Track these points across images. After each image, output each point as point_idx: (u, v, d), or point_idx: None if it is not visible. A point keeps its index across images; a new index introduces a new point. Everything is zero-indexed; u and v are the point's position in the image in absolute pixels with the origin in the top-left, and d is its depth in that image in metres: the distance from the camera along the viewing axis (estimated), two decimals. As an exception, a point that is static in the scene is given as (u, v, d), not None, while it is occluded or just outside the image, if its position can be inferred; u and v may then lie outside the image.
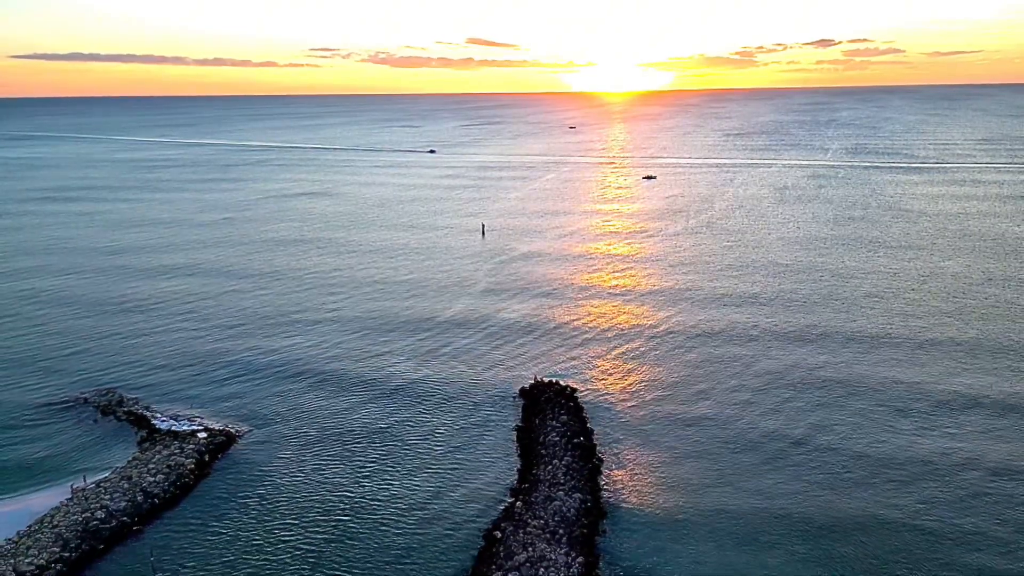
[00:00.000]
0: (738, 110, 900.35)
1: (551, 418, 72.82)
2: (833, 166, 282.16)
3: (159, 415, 75.76)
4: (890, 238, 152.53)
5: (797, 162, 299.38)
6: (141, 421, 74.78)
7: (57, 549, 53.59)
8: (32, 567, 51.61)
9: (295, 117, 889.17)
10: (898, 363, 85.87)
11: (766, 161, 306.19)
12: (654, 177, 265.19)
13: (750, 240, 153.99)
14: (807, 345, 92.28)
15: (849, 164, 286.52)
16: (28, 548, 53.67)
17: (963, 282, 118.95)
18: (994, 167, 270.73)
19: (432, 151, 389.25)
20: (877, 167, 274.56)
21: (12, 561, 52.10)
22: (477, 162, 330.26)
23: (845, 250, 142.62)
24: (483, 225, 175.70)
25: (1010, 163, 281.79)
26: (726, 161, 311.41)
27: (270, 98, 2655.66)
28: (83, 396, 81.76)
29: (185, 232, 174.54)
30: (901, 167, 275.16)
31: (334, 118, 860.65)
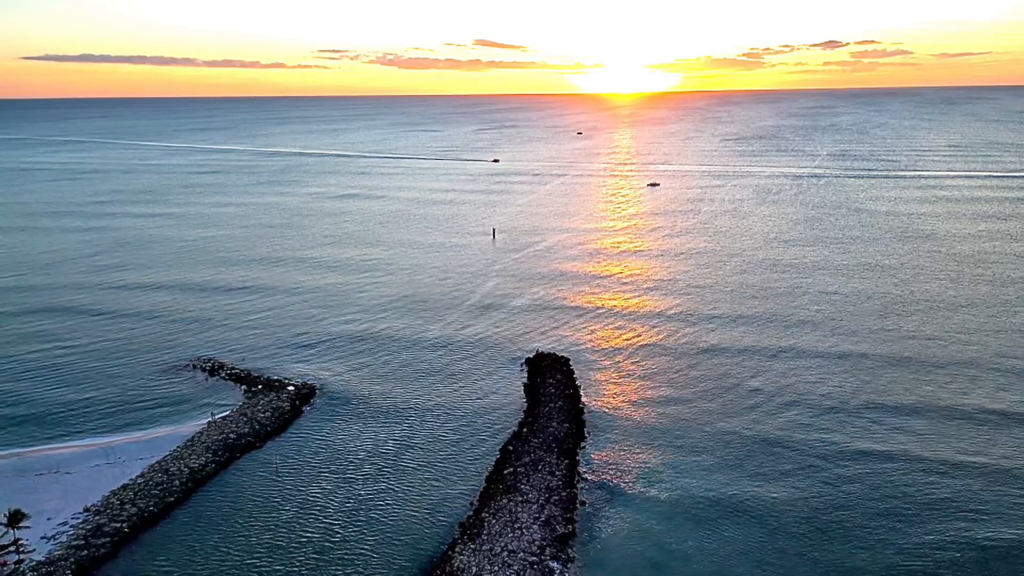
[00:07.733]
0: (742, 114, 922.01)
1: (549, 377, 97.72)
2: (817, 174, 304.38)
3: (255, 374, 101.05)
4: (850, 257, 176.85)
5: (783, 170, 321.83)
6: (241, 379, 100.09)
7: (209, 455, 78.78)
8: (196, 464, 76.83)
9: (318, 121, 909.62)
10: (835, 372, 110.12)
11: (758, 169, 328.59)
12: (658, 184, 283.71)
13: (727, 250, 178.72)
14: (770, 344, 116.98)
15: (831, 172, 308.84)
16: (189, 455, 78.83)
17: (898, 300, 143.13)
18: (964, 175, 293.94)
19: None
20: (858, 175, 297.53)
21: (182, 461, 77.34)
22: (489, 168, 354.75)
23: (807, 268, 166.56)
24: (494, 229, 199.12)
25: (980, 171, 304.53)
26: (720, 169, 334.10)
27: (282, 99, 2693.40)
28: (190, 363, 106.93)
29: (253, 232, 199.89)
30: (879, 174, 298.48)
31: (354, 122, 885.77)
